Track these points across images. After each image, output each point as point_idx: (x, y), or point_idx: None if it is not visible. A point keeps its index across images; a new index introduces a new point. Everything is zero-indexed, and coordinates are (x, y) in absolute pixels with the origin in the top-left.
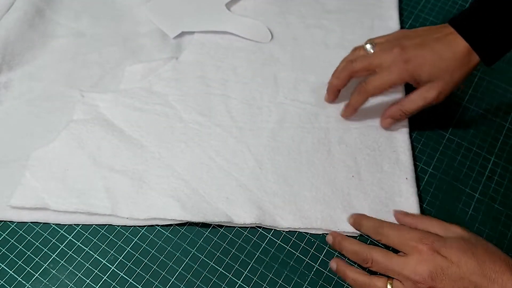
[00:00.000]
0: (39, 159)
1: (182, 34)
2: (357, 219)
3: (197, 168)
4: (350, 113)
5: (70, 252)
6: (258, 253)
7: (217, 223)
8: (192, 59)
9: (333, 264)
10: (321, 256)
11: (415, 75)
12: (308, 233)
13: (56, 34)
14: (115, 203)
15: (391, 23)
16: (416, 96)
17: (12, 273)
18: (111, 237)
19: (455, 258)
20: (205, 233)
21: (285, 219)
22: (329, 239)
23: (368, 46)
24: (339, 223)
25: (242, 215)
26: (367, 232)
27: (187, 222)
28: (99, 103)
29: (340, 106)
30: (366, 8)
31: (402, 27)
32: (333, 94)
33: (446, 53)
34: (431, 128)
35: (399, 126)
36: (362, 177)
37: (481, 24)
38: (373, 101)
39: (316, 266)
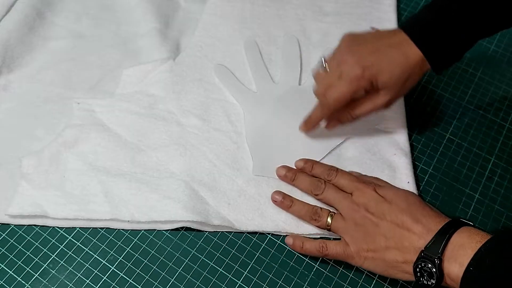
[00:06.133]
0: (35, 166)
1: (180, 36)
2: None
3: (197, 171)
4: (310, 128)
5: (70, 253)
6: (258, 253)
7: (218, 228)
8: (190, 61)
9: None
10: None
11: (373, 81)
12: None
13: (56, 36)
14: (114, 207)
15: (389, 26)
16: (366, 100)
17: (12, 273)
18: (111, 237)
19: (389, 198)
20: (205, 233)
21: (289, 224)
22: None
23: (324, 65)
24: None
25: (244, 222)
26: (320, 176)
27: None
28: (95, 108)
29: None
30: (364, 11)
31: None
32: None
33: (401, 61)
34: (431, 129)
35: (399, 128)
36: None
37: (435, 34)
38: None
39: (316, 266)
